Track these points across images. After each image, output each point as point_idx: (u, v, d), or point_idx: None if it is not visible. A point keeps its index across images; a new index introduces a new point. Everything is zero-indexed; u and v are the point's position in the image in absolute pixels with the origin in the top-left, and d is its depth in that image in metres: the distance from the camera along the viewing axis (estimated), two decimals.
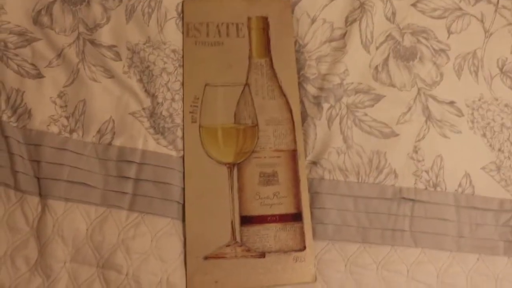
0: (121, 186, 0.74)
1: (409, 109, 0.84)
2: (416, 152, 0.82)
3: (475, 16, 0.90)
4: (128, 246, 0.72)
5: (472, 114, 0.85)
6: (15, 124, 0.75)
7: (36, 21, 0.81)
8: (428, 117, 0.84)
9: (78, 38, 0.81)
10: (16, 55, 0.78)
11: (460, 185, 0.81)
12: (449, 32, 0.89)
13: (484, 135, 0.85)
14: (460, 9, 0.91)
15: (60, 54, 0.79)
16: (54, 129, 0.75)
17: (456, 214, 0.80)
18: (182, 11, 0.85)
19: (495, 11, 0.91)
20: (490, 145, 0.84)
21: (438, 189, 0.80)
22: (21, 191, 0.72)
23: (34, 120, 0.75)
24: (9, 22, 0.80)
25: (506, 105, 0.86)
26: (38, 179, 0.73)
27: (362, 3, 0.88)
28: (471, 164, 0.83)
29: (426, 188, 0.80)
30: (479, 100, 0.86)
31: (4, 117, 0.75)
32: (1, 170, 0.73)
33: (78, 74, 0.79)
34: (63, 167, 0.73)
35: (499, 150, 0.84)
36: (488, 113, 0.86)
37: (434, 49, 0.88)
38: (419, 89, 0.85)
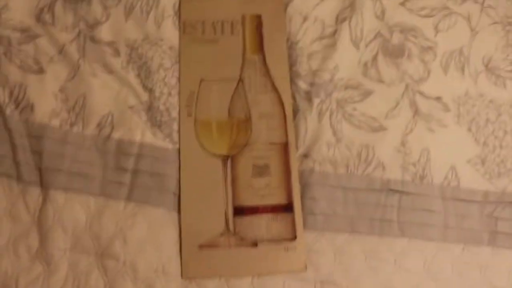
0: (119, 177, 0.77)
1: (397, 104, 0.86)
2: (403, 145, 0.84)
3: (461, 15, 0.92)
4: (126, 236, 0.74)
5: (458, 109, 0.87)
6: (18, 117, 0.78)
7: (38, 18, 0.83)
8: (416, 112, 0.86)
9: (79, 35, 0.83)
10: (20, 51, 0.81)
11: (446, 177, 0.83)
12: (437, 30, 0.91)
13: (469, 129, 0.86)
14: (447, 8, 0.93)
15: (61, 50, 0.82)
16: (56, 122, 0.78)
17: (442, 206, 0.82)
18: (179, 10, 0.87)
19: (481, 10, 0.93)
20: (475, 139, 0.86)
21: (425, 181, 0.82)
22: (23, 182, 0.75)
23: (36, 113, 0.78)
24: (12, 19, 0.82)
25: (490, 101, 0.88)
26: (40, 170, 0.75)
27: (352, 2, 0.90)
28: (457, 157, 0.85)
29: (413, 180, 0.82)
30: (465, 95, 0.88)
31: (8, 110, 0.78)
32: (4, 161, 0.75)
33: (78, 70, 0.81)
34: (64, 159, 0.76)
35: (484, 144, 0.86)
36: (473, 108, 0.87)
37: (421, 47, 0.90)
38: (407, 85, 0.87)
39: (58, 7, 0.84)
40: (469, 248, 0.81)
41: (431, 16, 0.92)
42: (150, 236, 0.75)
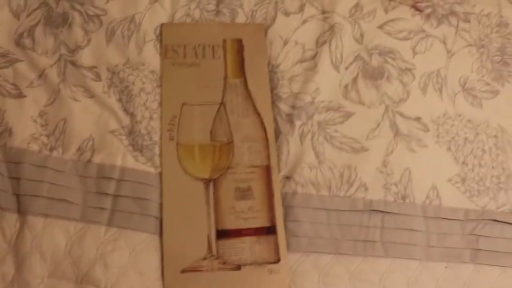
0: (100, 202, 0.76)
1: (378, 125, 0.87)
2: (385, 166, 0.85)
3: (437, 38, 0.95)
4: (107, 261, 0.73)
5: (438, 129, 0.88)
6: None
7: (18, 43, 0.83)
8: (396, 132, 0.87)
9: (59, 59, 0.83)
10: None
11: (427, 196, 0.84)
12: (414, 53, 0.93)
13: (449, 149, 0.88)
14: (424, 31, 0.95)
15: (41, 75, 0.81)
16: (35, 147, 0.77)
17: (424, 225, 0.82)
18: (160, 34, 0.88)
19: (456, 33, 0.96)
20: (455, 158, 0.87)
21: (407, 201, 0.83)
22: (0, 208, 0.73)
23: (14, 138, 0.76)
24: None
25: (468, 121, 0.90)
26: (18, 196, 0.74)
27: (332, 25, 0.92)
28: (437, 177, 0.86)
29: (395, 200, 0.83)
30: (444, 116, 0.90)
31: None
32: None
33: (59, 94, 0.81)
34: (43, 184, 0.74)
35: (463, 163, 0.87)
36: (452, 128, 0.89)
37: (400, 68, 0.92)
38: (386, 106, 0.89)
39: (38, 32, 0.84)
40: (452, 266, 0.82)
41: (408, 39, 0.94)
42: (131, 261, 0.74)
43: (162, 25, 0.89)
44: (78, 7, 0.87)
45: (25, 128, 0.78)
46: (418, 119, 0.89)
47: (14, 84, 0.80)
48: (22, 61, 0.82)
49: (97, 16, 0.87)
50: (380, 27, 0.95)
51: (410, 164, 0.85)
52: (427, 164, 0.86)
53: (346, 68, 0.91)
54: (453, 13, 0.98)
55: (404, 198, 0.83)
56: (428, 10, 0.97)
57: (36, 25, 0.85)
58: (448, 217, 0.84)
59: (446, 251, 0.82)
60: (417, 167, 0.85)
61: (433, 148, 0.87)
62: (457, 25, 0.97)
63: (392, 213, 0.82)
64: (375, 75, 0.91)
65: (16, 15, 0.85)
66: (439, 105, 0.91)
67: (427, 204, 0.84)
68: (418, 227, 0.82)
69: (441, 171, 0.87)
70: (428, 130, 0.88)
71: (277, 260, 0.77)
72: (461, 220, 0.84)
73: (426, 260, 0.81)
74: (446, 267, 0.81)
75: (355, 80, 0.90)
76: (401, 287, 0.79)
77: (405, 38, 0.94)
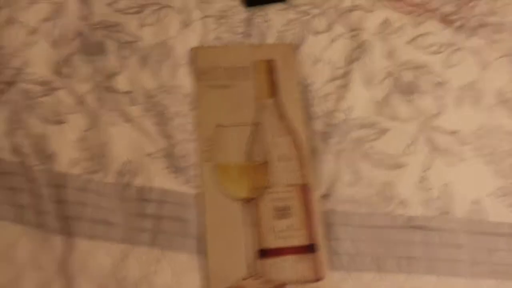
0: (142, 223, 0.76)
1: (413, 140, 0.86)
2: (423, 181, 0.84)
3: (469, 50, 0.95)
4: (151, 281, 0.73)
5: (475, 142, 0.88)
6: (40, 168, 0.77)
7: (57, 71, 0.85)
8: (432, 147, 0.86)
9: (96, 86, 0.85)
10: (40, 103, 0.82)
11: (469, 211, 0.83)
12: (447, 66, 0.93)
13: (489, 162, 0.86)
14: (455, 44, 0.95)
15: (80, 101, 0.83)
16: (77, 171, 0.78)
17: (468, 240, 0.81)
18: (192, 57, 0.89)
19: (488, 44, 0.96)
20: (495, 172, 0.86)
21: (449, 216, 0.82)
22: (46, 231, 0.74)
23: (57, 163, 0.78)
24: (33, 74, 0.84)
25: (507, 132, 0.89)
26: (63, 218, 0.75)
27: (361, 43, 0.93)
28: (478, 191, 0.84)
29: (436, 216, 0.82)
30: (481, 129, 0.89)
31: (30, 161, 0.77)
32: (28, 211, 0.75)
33: (97, 119, 0.82)
34: (86, 207, 0.75)
35: (504, 176, 0.86)
36: (491, 141, 0.88)
37: (433, 83, 0.91)
38: (421, 121, 0.88)
39: (76, 60, 0.86)
40: (502, 283, 0.79)
41: (439, 53, 0.94)
42: (174, 281, 0.74)
43: (193, 49, 0.90)
44: (112, 35, 0.89)
45: (67, 153, 0.79)
46: (454, 132, 0.88)
47: (55, 111, 0.82)
48: (62, 88, 0.84)
49: (131, 42, 0.89)
50: (410, 42, 0.95)
51: (449, 179, 0.84)
52: (467, 178, 0.85)
53: (378, 85, 0.91)
54: (484, 24, 0.98)
55: (445, 213, 0.82)
56: (458, 23, 0.98)
57: (73, 54, 0.87)
58: (493, 232, 0.82)
59: (493, 268, 0.80)
60: (457, 182, 0.84)
61: (471, 162, 0.86)
62: (489, 36, 0.96)
63: (434, 229, 0.81)
64: (407, 90, 0.91)
65: (54, 45, 0.87)
66: (475, 118, 0.90)
67: (470, 219, 0.82)
68: (462, 242, 0.81)
69: (481, 185, 0.85)
70: (465, 144, 0.87)
71: (320, 279, 0.76)
72: (507, 235, 0.82)
73: (472, 277, 0.79)
74: (496, 285, 0.79)
75: (387, 96, 0.90)
76: None
77: (436, 52, 0.94)
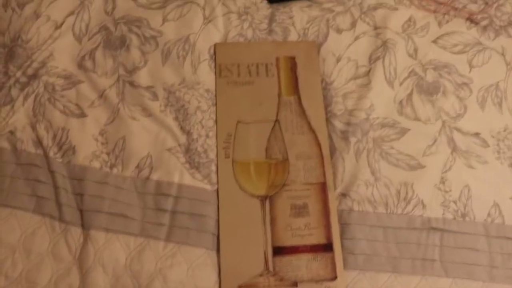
0: (159, 218, 0.77)
1: (435, 141, 0.85)
2: (443, 183, 0.83)
3: (495, 50, 0.93)
4: (166, 276, 0.74)
5: (498, 144, 0.86)
6: (60, 160, 0.79)
7: (80, 65, 0.87)
8: (454, 148, 0.85)
9: (118, 80, 0.86)
10: (62, 96, 0.84)
11: (489, 214, 0.81)
12: (471, 66, 0.92)
13: (511, 165, 0.85)
14: (480, 43, 0.94)
15: (101, 95, 0.84)
16: (96, 164, 0.80)
17: (487, 244, 0.80)
18: (215, 53, 0.90)
19: None
20: None
21: (467, 219, 0.81)
22: (65, 222, 0.76)
23: (77, 156, 0.80)
24: (57, 67, 0.86)
25: None
26: (81, 211, 0.77)
27: (385, 41, 0.92)
28: (499, 194, 0.83)
29: (454, 218, 0.81)
30: (504, 131, 0.87)
31: (51, 153, 0.79)
32: (47, 203, 0.77)
33: (118, 113, 0.83)
34: (104, 200, 0.77)
35: None
36: None
37: (456, 83, 0.90)
38: (443, 122, 0.87)
39: (99, 54, 0.88)
40: None
41: (464, 52, 0.93)
42: (189, 276, 0.75)
43: (216, 45, 0.90)
44: (135, 29, 0.90)
45: (87, 146, 0.81)
46: (476, 134, 0.87)
47: (76, 104, 0.84)
48: (84, 82, 0.86)
49: (153, 37, 0.89)
50: (434, 41, 0.94)
51: (469, 181, 0.83)
52: (488, 181, 0.84)
53: (401, 84, 0.90)
54: (511, 23, 0.96)
55: (464, 216, 0.81)
56: (485, 22, 0.96)
57: (96, 48, 0.88)
58: None
59: (510, 273, 0.79)
60: (477, 184, 0.83)
61: (493, 164, 0.85)
62: None
63: (452, 231, 0.80)
64: (430, 90, 0.89)
65: (78, 39, 0.89)
66: (499, 119, 0.88)
67: (489, 222, 0.81)
68: (480, 246, 0.80)
69: (503, 188, 0.84)
70: (487, 146, 0.86)
71: (334, 278, 0.76)
72: None
73: (489, 282, 0.78)
74: None
75: (410, 95, 0.89)
76: None
77: (461, 52, 0.93)
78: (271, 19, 0.94)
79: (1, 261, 0.74)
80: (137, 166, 0.80)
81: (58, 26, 0.89)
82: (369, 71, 0.90)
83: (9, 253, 0.74)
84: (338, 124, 0.86)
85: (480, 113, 0.89)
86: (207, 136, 0.83)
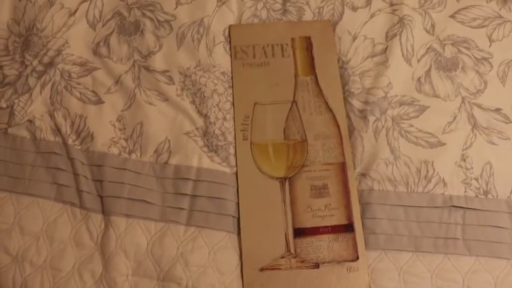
0: (178, 202, 0.77)
1: (454, 118, 0.84)
2: (464, 160, 0.82)
3: None
4: (187, 259, 0.74)
5: None
6: (79, 147, 0.80)
7: (95, 52, 0.87)
8: (474, 125, 0.84)
9: (133, 65, 0.86)
10: (79, 83, 0.84)
11: (511, 192, 0.80)
12: (491, 41, 0.90)
13: None
14: (501, 17, 0.92)
15: (117, 81, 0.85)
16: (115, 150, 0.80)
17: (511, 221, 0.79)
18: (229, 35, 0.89)
19: None
20: None
21: (489, 196, 0.80)
22: (86, 209, 0.77)
23: (96, 142, 0.80)
24: (72, 55, 0.86)
25: None
26: (101, 197, 0.77)
27: (401, 18, 0.90)
28: None
29: (476, 196, 0.80)
30: None
31: (69, 141, 0.80)
32: (68, 190, 0.78)
33: (134, 99, 0.83)
34: (124, 186, 0.77)
35: None
36: None
37: (476, 58, 0.89)
38: (463, 98, 0.86)
39: (113, 40, 0.88)
40: None
41: (483, 27, 0.91)
42: (211, 259, 0.75)
43: (230, 26, 0.90)
44: (148, 14, 0.89)
45: (105, 133, 0.81)
46: (498, 110, 0.85)
47: (93, 91, 0.84)
48: (100, 69, 0.86)
49: (167, 21, 0.89)
50: (452, 16, 0.92)
51: (491, 158, 0.82)
52: (510, 157, 0.83)
53: (418, 61, 0.88)
54: None
55: (486, 193, 0.80)
56: None
57: (110, 34, 0.88)
58: None
59: None
60: (499, 161, 0.82)
61: None
62: None
63: (474, 209, 0.79)
64: (449, 67, 0.88)
65: (92, 25, 0.89)
66: None
67: None
68: (504, 223, 0.79)
69: None
70: (509, 122, 0.85)
71: (356, 258, 0.76)
72: None
73: None
74: None
75: (428, 72, 0.88)
76: (487, 287, 0.76)
77: (480, 26, 0.91)
78: None
79: (25, 249, 0.75)
80: (156, 151, 0.80)
81: (72, 14, 0.89)
82: (386, 48, 0.89)
83: (33, 241, 0.75)
84: (356, 103, 0.85)
85: (501, 88, 0.87)
86: (224, 119, 0.83)
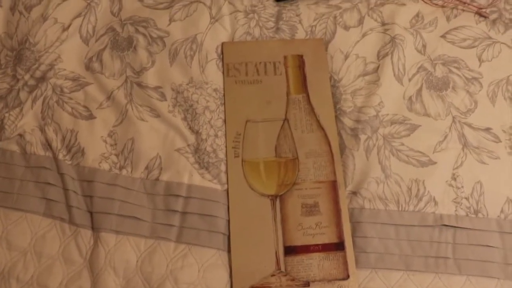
0: (169, 219, 0.77)
1: (445, 137, 0.85)
2: (454, 179, 0.82)
3: (505, 44, 0.92)
4: (177, 277, 0.74)
5: (510, 139, 0.85)
6: (69, 162, 0.80)
7: (88, 67, 0.87)
8: (465, 144, 0.84)
9: (126, 81, 0.86)
10: (71, 98, 0.84)
11: (502, 211, 0.81)
12: (480, 61, 0.91)
13: None
14: (490, 37, 0.93)
15: (109, 96, 0.84)
16: (105, 166, 0.79)
17: (501, 241, 0.79)
18: (222, 53, 0.89)
19: None
20: None
21: (480, 215, 0.80)
22: (75, 225, 0.76)
23: (86, 158, 0.80)
24: (65, 69, 0.86)
25: None
26: (91, 213, 0.77)
27: (393, 37, 0.91)
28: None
29: (467, 215, 0.80)
30: None
31: (60, 156, 0.80)
32: (57, 205, 0.77)
33: (126, 114, 0.83)
34: (114, 202, 0.77)
35: None
36: None
37: (466, 78, 0.89)
38: (453, 118, 0.86)
39: (106, 56, 0.88)
40: None
41: (473, 47, 0.92)
42: (200, 277, 0.74)
43: (223, 44, 0.90)
44: (142, 30, 0.90)
45: (96, 148, 0.81)
46: (488, 129, 0.86)
47: (85, 106, 0.84)
48: (92, 84, 0.86)
49: (160, 37, 0.89)
50: (443, 36, 0.93)
51: (481, 177, 0.82)
52: (500, 176, 0.83)
53: (410, 80, 0.89)
54: None
55: (476, 212, 0.80)
56: (494, 16, 0.95)
57: (103, 49, 0.88)
58: None
59: None
60: (490, 180, 0.82)
61: (505, 159, 0.84)
62: None
63: (465, 228, 0.79)
64: (439, 86, 0.89)
65: (86, 41, 0.89)
66: (510, 114, 0.87)
67: (502, 218, 0.80)
68: (494, 243, 0.79)
69: None
70: (499, 141, 0.85)
71: (346, 277, 0.76)
72: None
73: (505, 279, 0.77)
74: None
75: (419, 91, 0.88)
76: None
77: (470, 46, 0.92)
78: (278, 17, 0.94)
79: (12, 264, 0.74)
80: (146, 167, 0.80)
81: (65, 28, 0.89)
82: (377, 67, 0.89)
83: (21, 256, 0.74)
84: (348, 122, 0.86)
85: (491, 108, 0.88)
86: (216, 135, 0.83)
